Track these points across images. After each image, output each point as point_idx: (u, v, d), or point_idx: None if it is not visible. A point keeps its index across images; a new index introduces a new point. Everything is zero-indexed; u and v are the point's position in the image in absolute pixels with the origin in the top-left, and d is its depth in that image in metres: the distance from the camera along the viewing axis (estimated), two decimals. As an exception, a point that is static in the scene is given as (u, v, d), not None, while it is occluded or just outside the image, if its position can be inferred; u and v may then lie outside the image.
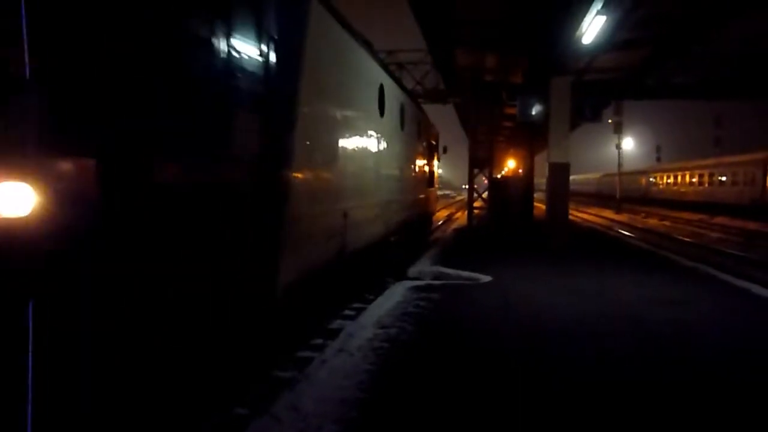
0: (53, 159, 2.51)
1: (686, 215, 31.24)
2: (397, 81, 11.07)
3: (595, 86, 16.20)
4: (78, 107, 2.61)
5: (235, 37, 3.84)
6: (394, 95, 9.79)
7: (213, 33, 3.61)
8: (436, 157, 16.83)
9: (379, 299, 7.13)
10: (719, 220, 27.80)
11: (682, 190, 38.85)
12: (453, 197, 63.75)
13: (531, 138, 18.20)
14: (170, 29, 3.24)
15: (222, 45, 3.69)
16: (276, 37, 4.47)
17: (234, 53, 3.84)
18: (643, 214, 34.42)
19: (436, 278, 8.74)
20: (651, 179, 46.22)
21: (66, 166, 2.62)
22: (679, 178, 39.78)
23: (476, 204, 21.69)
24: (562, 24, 10.47)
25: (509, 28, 12.20)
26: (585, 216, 33.29)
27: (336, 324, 6.94)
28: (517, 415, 3.60)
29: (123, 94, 2.84)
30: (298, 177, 5.11)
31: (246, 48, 4.03)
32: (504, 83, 17.13)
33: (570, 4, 9.72)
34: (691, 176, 37.62)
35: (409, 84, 22.23)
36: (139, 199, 2.96)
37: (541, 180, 23.35)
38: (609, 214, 35.24)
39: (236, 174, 4.04)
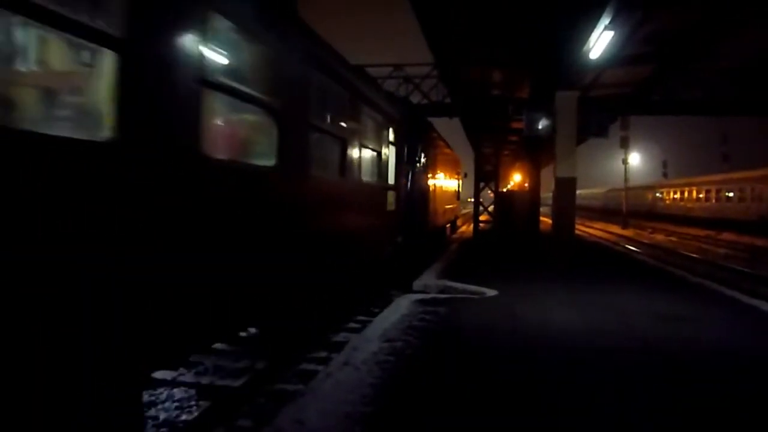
0: None
1: (693, 231, 31.10)
2: (446, 143, 17.72)
3: (601, 101, 16.23)
4: None
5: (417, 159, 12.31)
6: (446, 152, 17.71)
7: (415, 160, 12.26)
8: (460, 180, 24.62)
9: (385, 312, 7.10)
10: (726, 236, 27.67)
11: (689, 205, 38.65)
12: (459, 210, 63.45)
13: (537, 152, 18.19)
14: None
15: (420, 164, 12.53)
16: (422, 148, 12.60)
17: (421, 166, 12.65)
18: (649, 230, 34.28)
19: (441, 291, 8.71)
20: (658, 194, 46.03)
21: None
22: (686, 193, 39.61)
23: (482, 218, 21.68)
24: (569, 40, 10.51)
25: (516, 43, 12.26)
26: (591, 231, 33.18)
27: (341, 337, 6.93)
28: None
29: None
30: (429, 195, 13.68)
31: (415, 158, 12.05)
32: (510, 97, 17.18)
33: (578, 20, 9.77)
34: (698, 192, 37.47)
35: (416, 98, 22.32)
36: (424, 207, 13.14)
37: (546, 194, 23.36)
38: (615, 229, 35.10)
39: (425, 196, 13.18)
